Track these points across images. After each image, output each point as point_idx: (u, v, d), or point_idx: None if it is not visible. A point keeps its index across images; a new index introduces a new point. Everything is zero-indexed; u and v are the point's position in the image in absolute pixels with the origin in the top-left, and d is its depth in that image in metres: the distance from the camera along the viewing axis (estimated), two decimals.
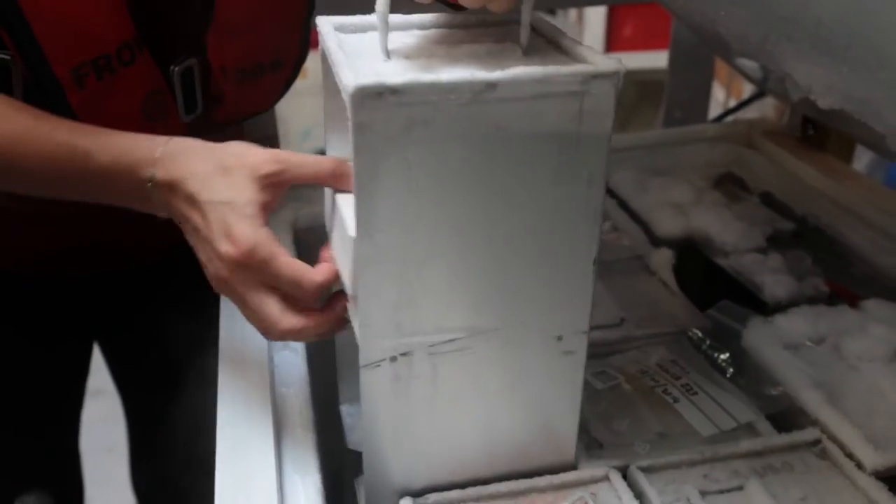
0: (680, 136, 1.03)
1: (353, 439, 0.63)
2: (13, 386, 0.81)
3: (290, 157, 0.52)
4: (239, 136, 0.88)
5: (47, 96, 0.60)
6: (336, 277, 0.51)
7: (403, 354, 0.47)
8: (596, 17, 2.09)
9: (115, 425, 1.40)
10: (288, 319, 0.50)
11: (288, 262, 0.50)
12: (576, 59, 0.47)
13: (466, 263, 0.47)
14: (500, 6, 0.48)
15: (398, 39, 0.50)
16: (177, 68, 0.67)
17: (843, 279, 0.78)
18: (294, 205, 0.87)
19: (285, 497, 0.52)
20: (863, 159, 1.25)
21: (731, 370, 0.67)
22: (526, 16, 0.48)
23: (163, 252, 0.83)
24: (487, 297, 0.48)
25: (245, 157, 0.52)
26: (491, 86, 0.42)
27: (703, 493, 0.55)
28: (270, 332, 0.51)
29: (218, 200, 0.50)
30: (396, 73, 0.42)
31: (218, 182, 0.51)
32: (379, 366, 0.47)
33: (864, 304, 0.71)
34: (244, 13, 0.67)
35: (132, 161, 0.54)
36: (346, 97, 0.42)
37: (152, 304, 0.85)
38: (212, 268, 0.51)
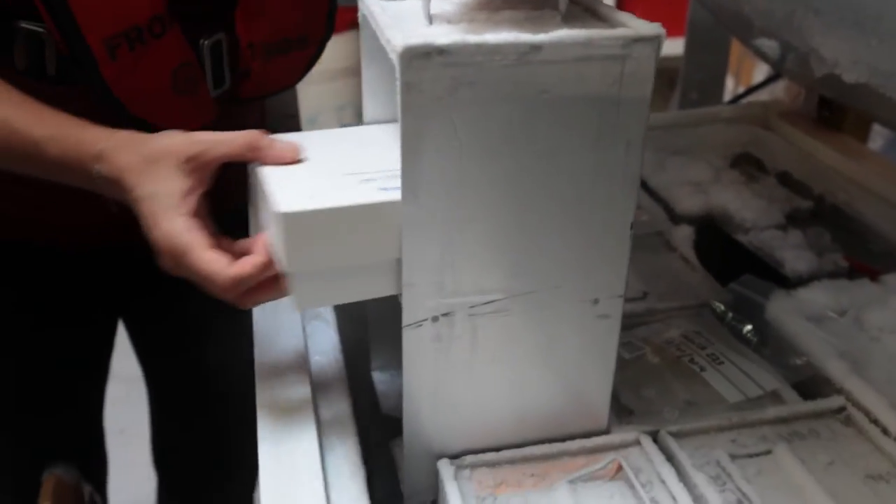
0: (696, 116, 1.04)
1: (388, 405, 0.64)
2: (39, 361, 0.82)
3: (206, 137, 0.53)
4: (262, 113, 0.89)
5: (81, 68, 0.61)
6: (261, 267, 0.50)
7: (445, 315, 0.48)
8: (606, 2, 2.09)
9: (126, 407, 1.41)
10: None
11: (200, 257, 0.50)
12: (615, 24, 0.48)
13: (506, 225, 0.47)
14: None
15: (439, 6, 0.51)
16: (206, 42, 0.67)
17: (861, 255, 0.79)
18: None
19: (327, 463, 0.53)
20: (878, 140, 1.25)
21: (755, 341, 0.68)
22: None
23: None
24: (526, 260, 0.49)
25: (168, 146, 0.52)
26: (536, 48, 0.43)
27: (733, 457, 0.56)
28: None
29: (145, 195, 0.52)
30: (442, 35, 0.43)
31: (145, 175, 0.52)
32: (421, 325, 0.48)
33: (883, 278, 0.72)
34: None
35: (78, 156, 0.55)
36: (393, 57, 0.43)
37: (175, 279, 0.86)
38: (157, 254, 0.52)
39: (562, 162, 0.47)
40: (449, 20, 0.49)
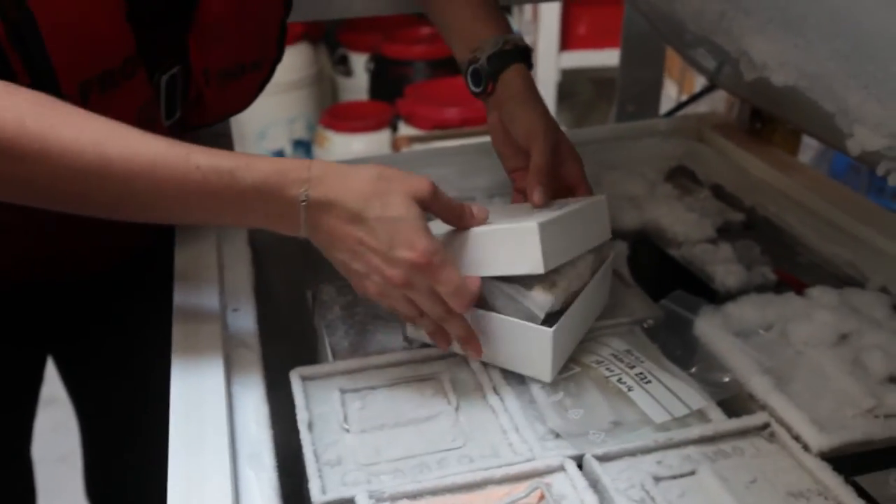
0: (632, 130, 1.05)
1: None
2: None
3: (437, 188, 0.59)
4: (195, 134, 0.87)
5: None
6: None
7: None
8: (550, 17, 2.11)
9: (67, 434, 1.37)
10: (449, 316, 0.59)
11: (456, 270, 0.57)
12: None
13: None
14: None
15: None
16: (164, 76, 0.66)
17: (789, 267, 0.80)
18: None
19: (240, 496, 0.51)
20: (808, 153, 1.28)
21: (683, 358, 0.68)
22: None
23: (117, 262, 0.81)
24: None
25: (400, 179, 0.57)
26: None
27: (657, 479, 0.56)
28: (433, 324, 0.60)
29: (389, 216, 0.56)
30: None
31: (379, 201, 0.56)
32: None
33: (809, 291, 0.73)
34: (227, 14, 0.67)
35: (284, 181, 0.55)
36: None
37: (106, 314, 0.84)
38: (378, 276, 0.57)
39: None
40: None
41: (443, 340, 0.62)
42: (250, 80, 0.74)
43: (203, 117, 0.72)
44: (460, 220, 0.61)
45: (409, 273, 0.56)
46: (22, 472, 0.90)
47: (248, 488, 0.53)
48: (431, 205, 0.58)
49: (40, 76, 0.57)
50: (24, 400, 0.86)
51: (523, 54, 0.75)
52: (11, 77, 0.55)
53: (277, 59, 0.75)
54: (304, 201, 0.55)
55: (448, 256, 0.57)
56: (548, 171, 0.70)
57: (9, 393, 0.84)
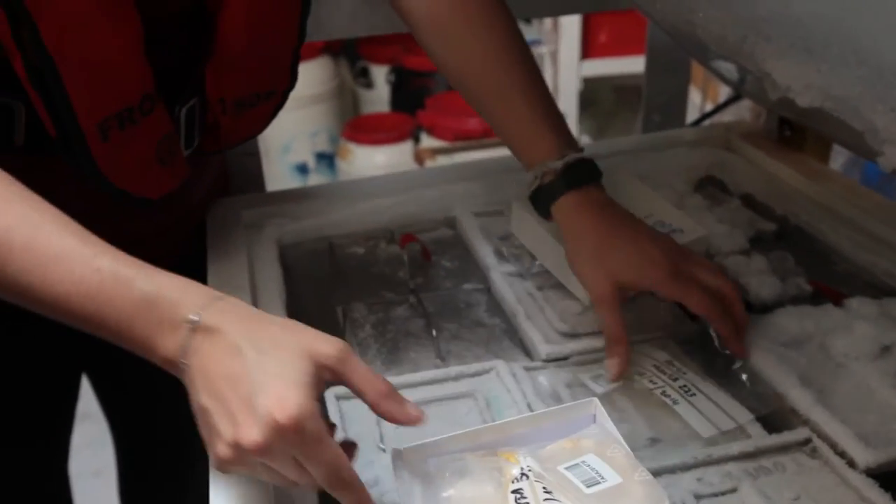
0: (659, 140, 1.04)
1: None
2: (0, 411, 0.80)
3: (352, 354, 0.48)
4: (222, 156, 0.88)
5: (68, 147, 0.60)
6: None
7: None
8: (571, 26, 2.10)
9: (101, 449, 1.38)
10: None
11: (334, 445, 0.46)
12: None
13: None
14: None
15: None
16: (184, 108, 0.67)
17: (825, 277, 0.79)
18: (279, 220, 0.87)
19: None
20: (839, 160, 1.26)
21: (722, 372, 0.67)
22: None
23: None
24: None
25: (306, 333, 0.48)
26: None
27: (698, 497, 0.55)
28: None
29: (271, 359, 0.45)
30: None
31: (269, 342, 0.46)
32: None
33: (847, 302, 0.71)
34: (244, 46, 0.68)
35: (181, 298, 0.48)
36: None
37: None
38: (233, 431, 0.44)
39: None
40: None
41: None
42: (264, 107, 0.74)
43: (219, 143, 0.73)
44: (380, 399, 0.48)
45: (270, 436, 0.44)
46: (59, 488, 0.91)
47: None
48: (340, 370, 0.47)
49: (59, 115, 0.58)
50: (60, 417, 0.87)
51: (581, 173, 0.69)
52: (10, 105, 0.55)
53: (290, 87, 0.76)
54: (191, 323, 0.47)
55: (325, 427, 0.45)
56: (621, 336, 0.64)
57: (46, 411, 0.85)
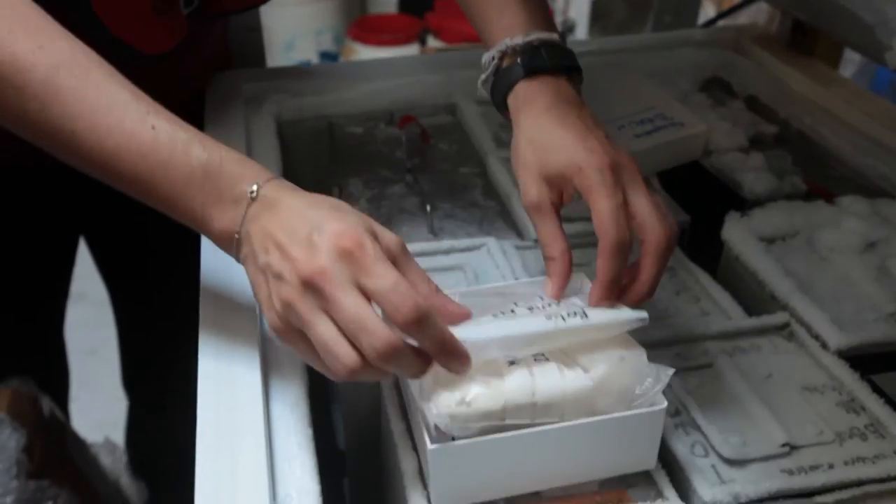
0: (668, 39, 1.02)
1: None
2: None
3: (407, 251, 0.46)
4: (224, 28, 0.87)
5: None
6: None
7: None
8: None
9: (96, 329, 1.42)
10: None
11: (393, 269, 0.43)
12: None
13: None
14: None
15: None
16: None
17: (822, 179, 0.79)
18: (279, 96, 0.86)
19: (269, 366, 0.53)
20: (849, 68, 1.24)
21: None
22: None
23: None
24: None
25: (362, 216, 0.45)
26: None
27: (675, 370, 0.57)
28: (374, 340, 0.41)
29: (332, 214, 0.44)
30: None
31: (335, 209, 0.45)
32: None
33: (839, 199, 0.72)
34: None
35: (242, 172, 0.47)
36: None
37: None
38: (294, 267, 0.42)
39: None
40: None
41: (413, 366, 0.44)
42: None
43: (219, 6, 0.71)
44: (431, 296, 0.45)
45: (331, 258, 0.42)
46: (56, 354, 0.93)
47: (276, 358, 0.54)
48: (395, 258, 0.44)
49: None
50: (56, 282, 0.88)
51: (546, 58, 0.55)
52: None
53: None
54: (252, 194, 0.46)
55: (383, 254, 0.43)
56: (557, 248, 0.51)
57: (41, 274, 0.86)
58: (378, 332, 0.41)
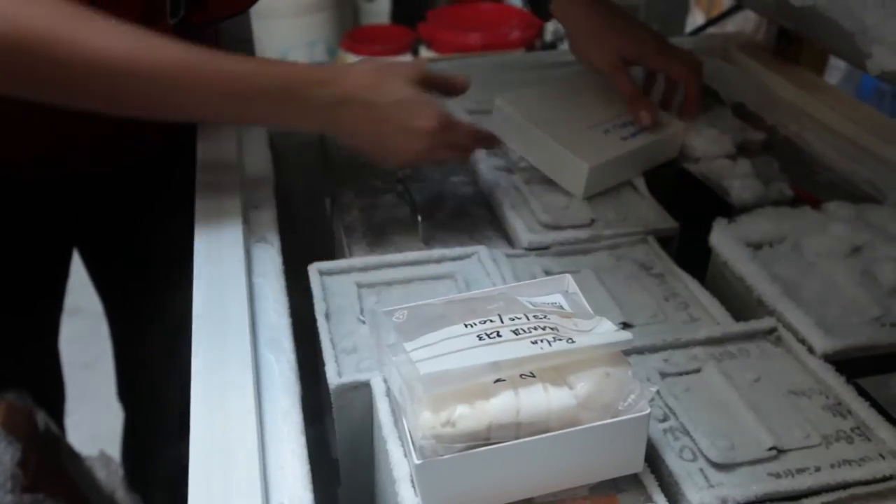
0: None
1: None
2: None
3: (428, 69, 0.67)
4: (215, 38, 0.87)
5: None
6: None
7: None
8: None
9: (91, 342, 1.42)
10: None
11: (465, 122, 0.71)
12: None
13: None
14: None
15: None
16: None
17: (808, 186, 0.80)
18: None
19: (261, 377, 0.54)
20: (835, 75, 1.26)
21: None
22: None
23: (140, 156, 0.83)
24: None
25: (395, 65, 0.65)
26: None
27: (663, 375, 0.57)
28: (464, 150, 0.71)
29: (395, 100, 0.63)
30: None
31: (384, 88, 0.63)
32: None
33: (825, 205, 0.73)
34: None
35: (303, 82, 0.62)
36: None
37: (129, 209, 0.86)
38: (408, 146, 0.65)
39: None
40: None
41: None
42: None
43: (205, 15, 0.73)
44: (455, 88, 0.70)
45: (433, 137, 0.64)
46: (51, 365, 0.94)
47: (268, 370, 0.55)
48: (429, 81, 0.66)
49: None
50: (52, 293, 0.89)
51: None
52: None
53: None
54: (322, 100, 0.62)
55: (455, 116, 0.67)
56: (637, 91, 0.80)
57: (37, 285, 0.87)
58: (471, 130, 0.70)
